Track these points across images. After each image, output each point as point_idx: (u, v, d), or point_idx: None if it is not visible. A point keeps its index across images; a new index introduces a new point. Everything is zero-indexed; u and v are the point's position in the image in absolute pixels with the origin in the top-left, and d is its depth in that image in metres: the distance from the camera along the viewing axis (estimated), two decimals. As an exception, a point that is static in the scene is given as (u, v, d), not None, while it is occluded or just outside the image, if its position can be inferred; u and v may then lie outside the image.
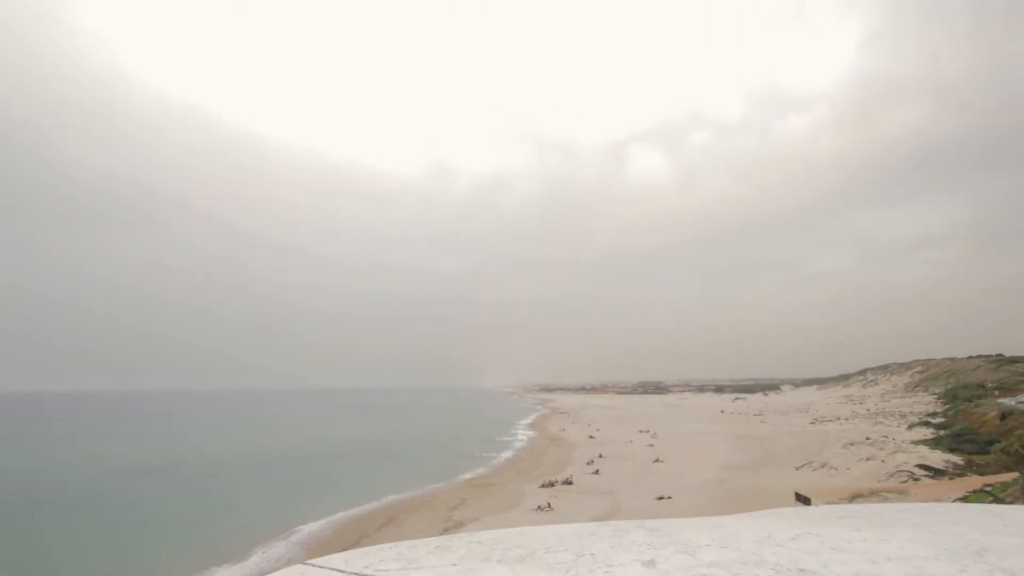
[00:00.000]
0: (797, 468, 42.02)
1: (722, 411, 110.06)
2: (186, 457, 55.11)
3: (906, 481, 35.54)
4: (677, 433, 68.09)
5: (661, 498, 31.78)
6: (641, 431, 71.51)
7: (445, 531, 25.03)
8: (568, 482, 37.40)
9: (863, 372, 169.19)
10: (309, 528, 28.14)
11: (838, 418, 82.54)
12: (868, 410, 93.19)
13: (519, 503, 31.86)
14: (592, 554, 1.38)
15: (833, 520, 1.60)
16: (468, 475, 42.92)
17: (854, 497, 29.36)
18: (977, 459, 41.68)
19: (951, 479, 34.66)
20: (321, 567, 1.34)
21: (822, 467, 42.25)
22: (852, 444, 53.56)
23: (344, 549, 1.45)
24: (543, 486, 36.35)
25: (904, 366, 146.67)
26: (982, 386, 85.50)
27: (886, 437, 57.54)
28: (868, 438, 57.23)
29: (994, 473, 31.92)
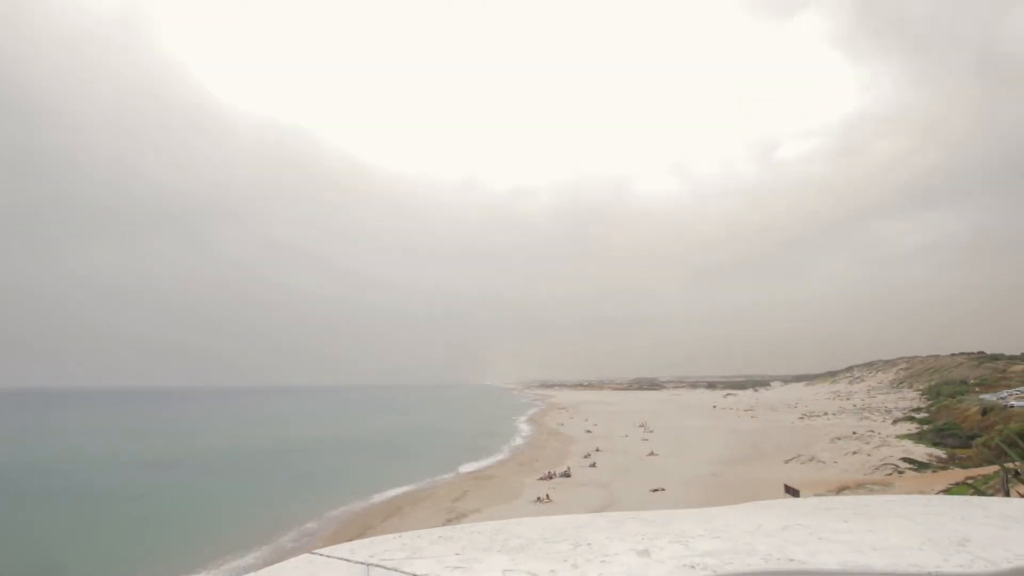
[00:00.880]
0: (786, 461, 42.03)
1: (714, 407, 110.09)
2: (199, 451, 55.11)
3: (891, 474, 35.53)
4: (671, 428, 68.11)
5: (655, 490, 31.78)
6: (636, 426, 71.54)
7: (448, 522, 25.01)
8: (566, 475, 37.40)
9: (850, 369, 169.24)
10: (316, 519, 28.14)
11: (826, 413, 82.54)
12: (854, 406, 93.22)
13: (519, 495, 31.86)
14: (589, 544, 1.38)
15: (821, 511, 1.60)
16: (470, 468, 42.93)
17: (841, 489, 29.37)
18: (959, 453, 41.68)
19: (934, 472, 34.65)
20: (328, 556, 1.34)
21: (810, 461, 42.26)
22: (839, 438, 53.57)
23: (350, 539, 1.46)
24: (542, 478, 36.36)
25: (889, 363, 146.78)
26: (964, 382, 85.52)
27: (872, 432, 57.55)
28: (854, 433, 57.24)
29: (976, 466, 31.91)
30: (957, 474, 29.56)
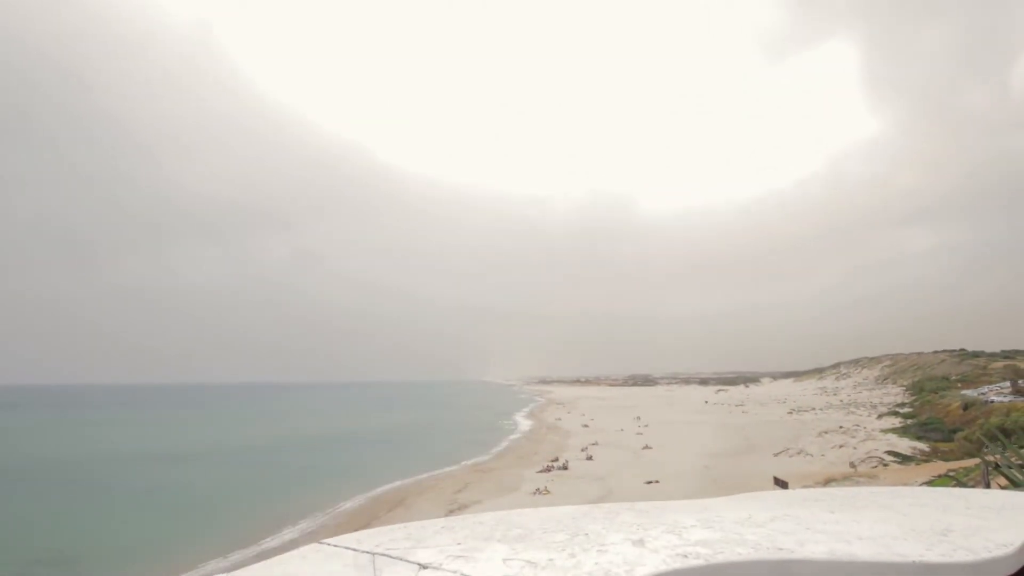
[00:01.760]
0: (775, 454, 42.04)
1: (706, 402, 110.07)
2: (215, 444, 55.10)
3: (876, 466, 35.55)
4: (665, 422, 68.10)
5: (650, 482, 31.79)
6: (631, 420, 71.54)
7: (450, 512, 25.01)
8: (564, 467, 37.40)
9: (836, 366, 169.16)
10: (323, 510, 28.14)
11: (813, 408, 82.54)
12: (841, 401, 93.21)
13: (519, 487, 31.86)
14: (586, 534, 1.38)
15: (809, 502, 1.60)
16: (471, 461, 42.92)
17: (828, 481, 29.37)
18: (942, 446, 41.69)
19: (918, 464, 34.66)
20: (335, 545, 1.34)
21: (799, 454, 42.27)
22: (826, 432, 53.58)
23: (356, 529, 1.46)
24: (541, 471, 36.36)
25: (874, 360, 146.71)
26: (946, 379, 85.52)
27: (858, 426, 57.55)
28: (841, 427, 57.25)
29: (957, 459, 31.93)
30: (939, 466, 29.58)
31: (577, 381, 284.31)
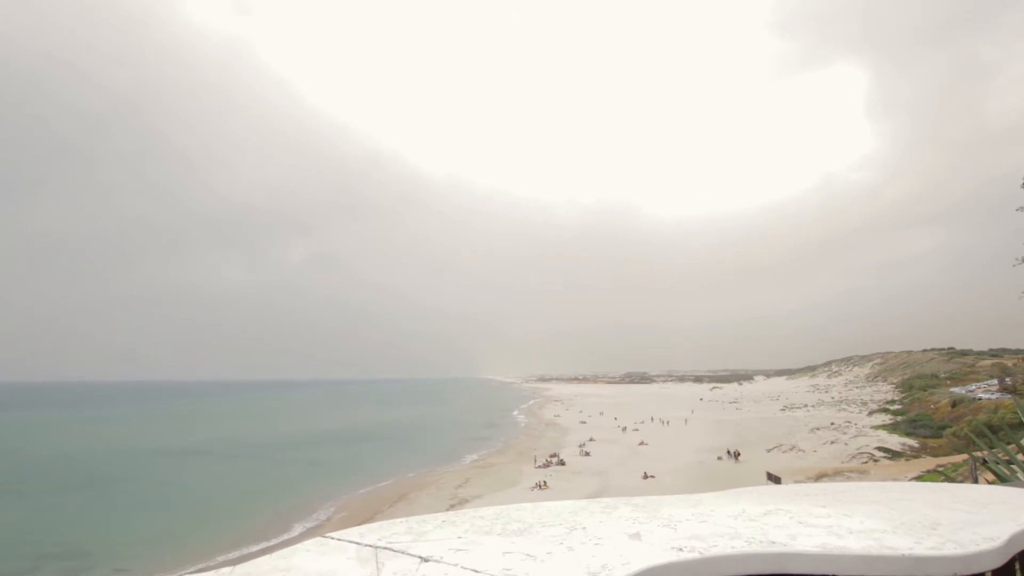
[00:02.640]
0: (768, 450, 42.06)
1: (701, 399, 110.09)
2: (224, 439, 55.11)
3: (867, 462, 35.55)
4: (661, 419, 68.09)
5: (646, 477, 31.79)
6: (628, 417, 71.55)
7: (451, 507, 25.01)
8: (562, 463, 37.40)
9: (828, 364, 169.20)
10: (327, 504, 28.14)
11: (805, 405, 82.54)
12: (832, 398, 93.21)
13: (518, 482, 31.86)
14: (584, 527, 1.38)
15: (801, 497, 1.60)
16: (472, 456, 42.91)
17: (820, 476, 29.38)
18: (931, 442, 41.69)
19: (907, 460, 34.66)
20: (339, 539, 1.33)
21: (791, 449, 42.28)
22: (818, 429, 53.59)
23: (360, 523, 1.45)
24: (539, 466, 36.36)
25: (865, 358, 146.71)
26: (935, 376, 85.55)
27: (849, 422, 57.56)
28: (832, 423, 57.25)
29: (946, 455, 31.93)
30: (928, 462, 29.58)
31: (575, 379, 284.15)
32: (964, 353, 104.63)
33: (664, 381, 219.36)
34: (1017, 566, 1.23)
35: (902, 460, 35.12)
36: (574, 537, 1.30)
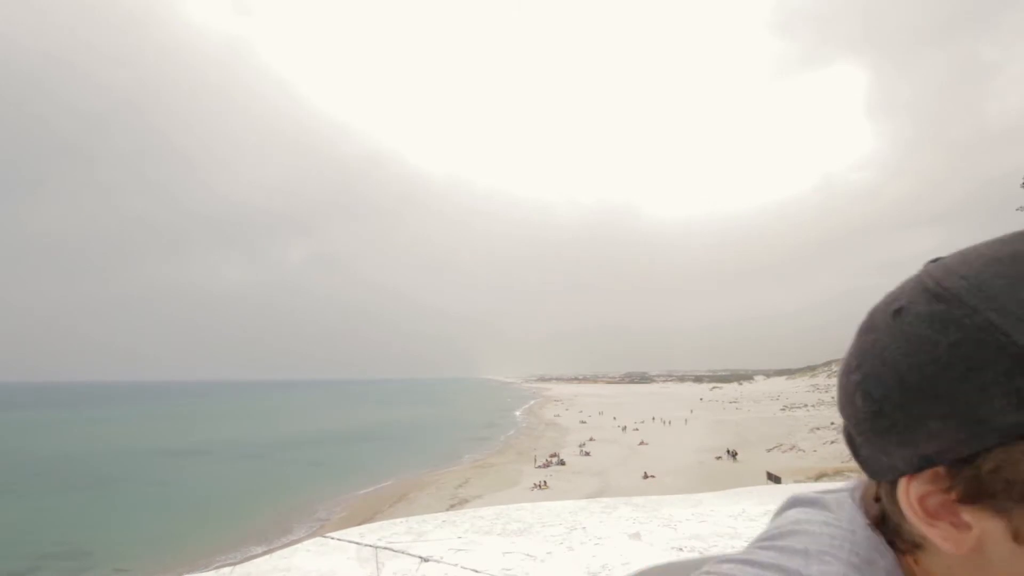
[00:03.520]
0: (768, 450, 42.05)
1: (701, 399, 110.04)
2: (224, 440, 55.08)
3: (867, 462, 35.46)
4: (660, 419, 68.06)
5: (646, 477, 31.78)
6: (628, 417, 71.52)
7: (451, 507, 24.99)
8: (562, 463, 37.37)
9: (828, 363, 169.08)
10: (327, 504, 28.13)
11: (806, 405, 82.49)
12: (833, 398, 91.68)
13: (518, 482, 31.84)
14: (584, 527, 1.39)
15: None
16: (472, 456, 42.90)
17: (820, 476, 29.37)
18: (931, 442, 41.64)
19: (907, 460, 34.57)
20: (339, 539, 1.34)
21: (791, 449, 42.26)
22: (818, 428, 53.56)
23: (360, 523, 1.45)
24: (539, 466, 36.33)
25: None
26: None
27: (849, 422, 57.44)
28: (832, 423, 57.24)
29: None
30: (928, 462, 29.48)
31: (575, 379, 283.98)
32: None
33: (664, 381, 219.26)
34: None
35: (902, 460, 35.08)
36: (574, 537, 1.30)
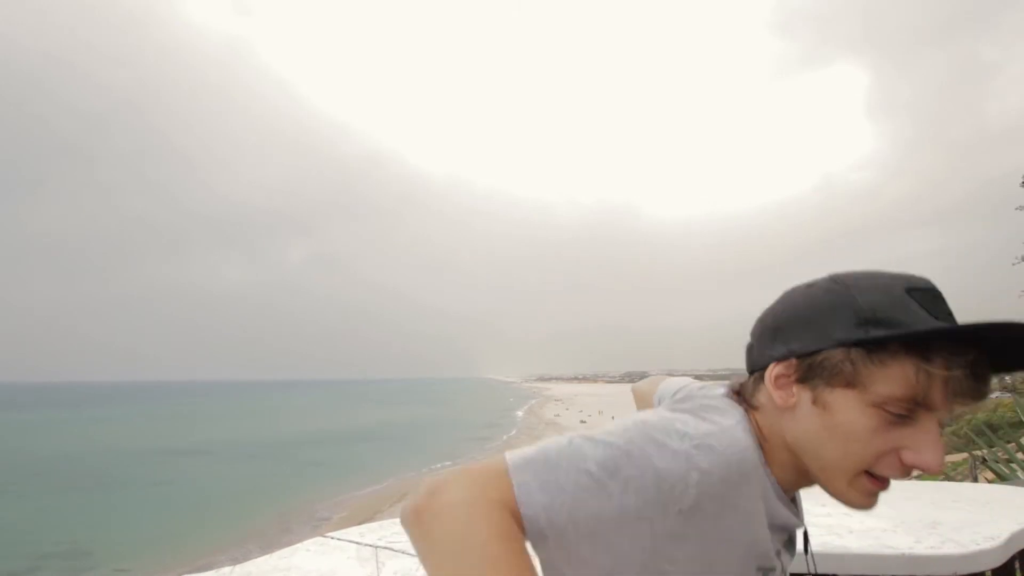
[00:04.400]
0: (768, 449, 42.07)
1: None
2: (224, 440, 55.09)
3: (867, 461, 35.51)
4: (660, 418, 67.95)
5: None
6: (628, 416, 71.38)
7: (451, 507, 24.89)
8: (562, 462, 37.34)
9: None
10: (328, 503, 28.14)
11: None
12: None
13: (518, 481, 31.79)
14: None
15: (801, 496, 1.59)
16: (473, 456, 42.92)
17: (820, 475, 29.33)
18: (930, 441, 41.65)
19: (907, 459, 34.61)
20: (339, 539, 1.34)
21: (791, 448, 42.30)
22: (818, 428, 53.59)
23: (360, 523, 1.45)
24: (539, 466, 36.30)
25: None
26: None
27: (849, 421, 57.56)
28: (832, 422, 57.31)
29: (946, 454, 31.96)
30: (928, 461, 29.51)
31: (575, 379, 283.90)
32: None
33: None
34: (1017, 565, 1.23)
35: (902, 459, 35.10)
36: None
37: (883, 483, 0.67)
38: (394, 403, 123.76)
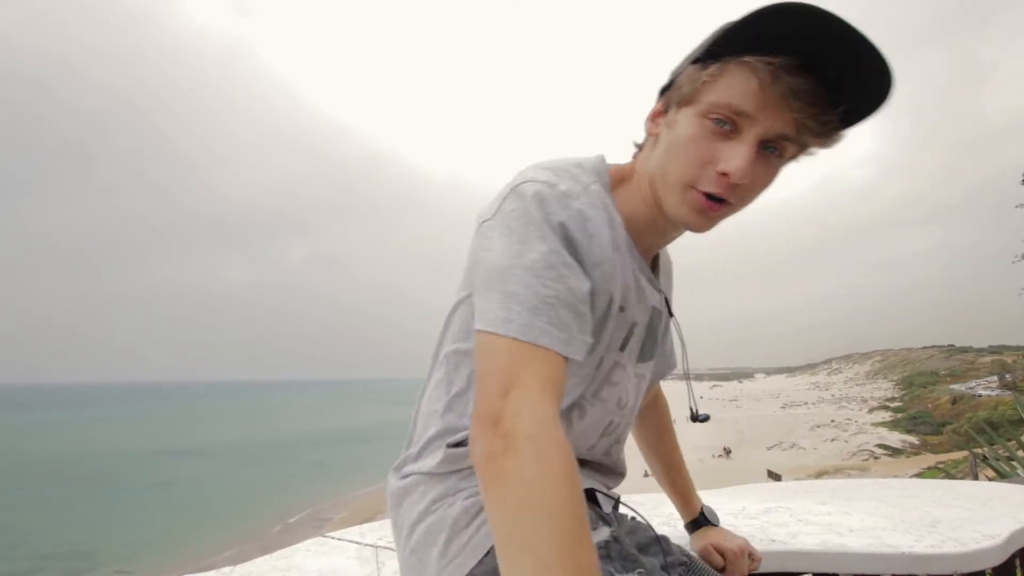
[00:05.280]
0: (769, 448, 42.09)
1: (700, 397, 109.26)
2: (226, 440, 55.11)
3: (867, 459, 35.59)
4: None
5: (647, 475, 31.72)
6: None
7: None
8: (562, 462, 37.40)
9: (828, 361, 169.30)
10: (328, 503, 28.16)
11: (806, 403, 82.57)
12: (833, 396, 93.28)
13: (518, 481, 31.83)
14: (584, 526, 1.38)
15: (801, 495, 1.60)
16: (472, 456, 42.90)
17: (820, 474, 29.42)
18: (931, 439, 41.72)
19: (907, 457, 34.69)
20: (339, 539, 1.34)
21: (791, 447, 42.31)
22: (819, 426, 53.62)
23: (360, 523, 1.45)
24: (540, 465, 36.36)
25: (865, 356, 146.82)
26: (935, 374, 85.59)
27: (849, 420, 57.60)
28: (833, 421, 57.29)
29: (946, 452, 31.96)
30: (929, 459, 29.61)
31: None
32: (964, 350, 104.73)
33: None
34: (1017, 563, 1.23)
35: (903, 457, 35.15)
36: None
37: (713, 202, 0.66)
38: (394, 402, 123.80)
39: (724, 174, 0.64)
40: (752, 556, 1.02)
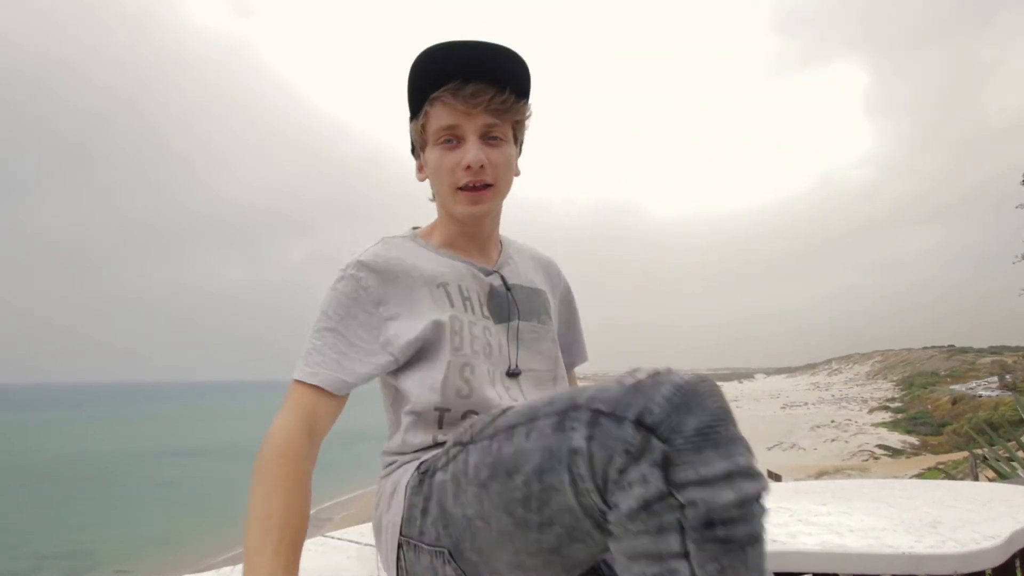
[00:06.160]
0: (769, 448, 42.07)
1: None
2: (227, 440, 55.09)
3: (867, 460, 35.57)
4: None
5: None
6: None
7: (452, 506, 24.87)
8: (562, 462, 37.34)
9: (828, 361, 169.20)
10: (328, 504, 28.15)
11: (806, 403, 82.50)
12: (833, 396, 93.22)
13: (518, 481, 31.80)
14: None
15: (801, 495, 1.60)
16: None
17: (820, 474, 29.38)
18: (931, 440, 41.69)
19: (908, 458, 34.67)
20: (339, 539, 1.34)
21: (791, 447, 42.29)
22: (819, 427, 53.59)
23: (361, 523, 1.45)
24: (540, 465, 36.31)
25: (865, 356, 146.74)
26: (935, 374, 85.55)
27: (849, 420, 57.57)
28: (833, 421, 57.27)
29: (946, 452, 31.93)
30: (929, 460, 29.59)
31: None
32: (964, 350, 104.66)
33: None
34: (1017, 564, 1.23)
35: (903, 458, 35.12)
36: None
37: (476, 191, 0.93)
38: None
39: (468, 167, 0.90)
40: None
